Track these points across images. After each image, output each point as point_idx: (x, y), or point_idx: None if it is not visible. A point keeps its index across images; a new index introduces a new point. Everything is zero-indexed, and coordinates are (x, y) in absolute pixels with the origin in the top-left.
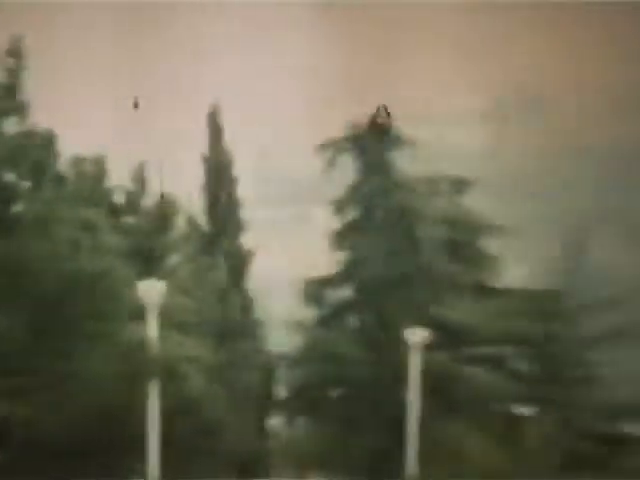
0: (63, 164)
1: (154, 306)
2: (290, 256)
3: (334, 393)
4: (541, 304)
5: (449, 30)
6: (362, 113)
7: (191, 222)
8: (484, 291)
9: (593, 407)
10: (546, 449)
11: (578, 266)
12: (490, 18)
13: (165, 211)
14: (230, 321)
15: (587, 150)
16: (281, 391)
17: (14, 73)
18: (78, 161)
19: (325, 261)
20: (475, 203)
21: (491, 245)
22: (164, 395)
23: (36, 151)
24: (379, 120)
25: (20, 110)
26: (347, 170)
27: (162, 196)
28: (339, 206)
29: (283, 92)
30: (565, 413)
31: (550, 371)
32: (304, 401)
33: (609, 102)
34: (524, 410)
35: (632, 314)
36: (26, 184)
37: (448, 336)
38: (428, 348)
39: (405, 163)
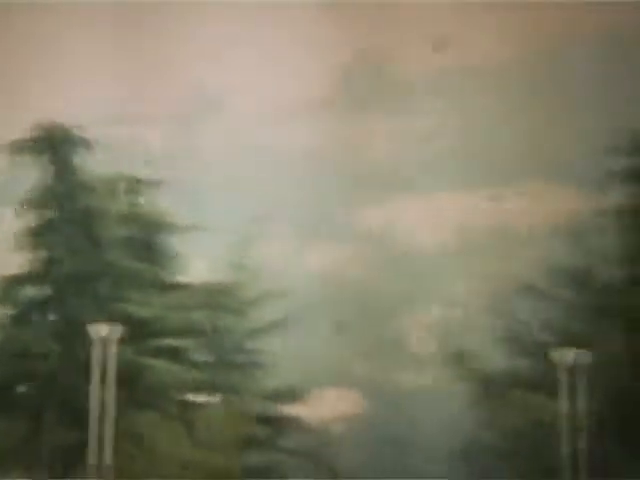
0: None
1: None
2: None
3: (23, 389)
4: (216, 297)
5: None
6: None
7: None
8: (166, 286)
9: (258, 392)
10: (221, 432)
11: (250, 260)
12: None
13: None
14: None
15: (265, 150)
16: None
17: None
18: None
19: (17, 260)
20: (161, 202)
21: (174, 242)
22: None
23: None
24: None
25: None
26: (37, 170)
27: None
28: (29, 206)
29: None
30: (236, 398)
31: (222, 360)
32: None
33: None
34: (202, 397)
35: (292, 304)
36: None
37: (135, 330)
38: (117, 342)
39: (92, 163)
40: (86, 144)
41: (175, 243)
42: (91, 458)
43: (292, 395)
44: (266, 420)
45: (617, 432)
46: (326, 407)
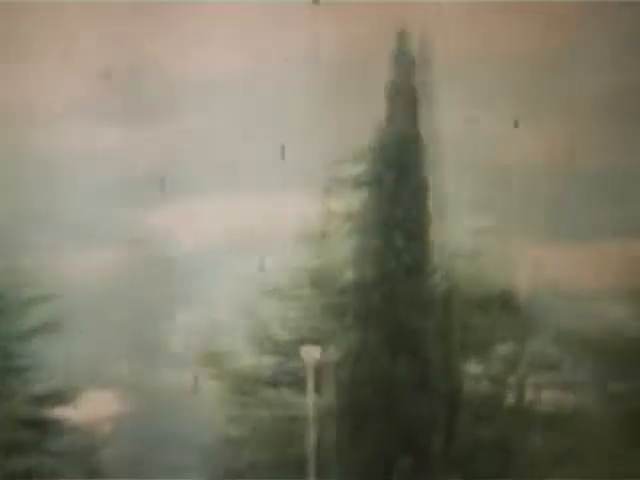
0: None
1: None
2: None
3: None
4: None
5: None
6: None
7: None
8: None
9: (25, 395)
10: None
11: (17, 263)
12: None
13: None
14: None
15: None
16: None
17: None
18: None
19: None
20: None
21: None
22: None
23: None
24: None
25: None
26: None
27: None
28: None
29: None
30: (1, 403)
31: None
32: None
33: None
34: None
35: (61, 307)
36: None
37: None
38: None
39: None
40: None
41: None
42: None
43: (59, 398)
44: (32, 424)
45: (353, 421)
46: (92, 408)
